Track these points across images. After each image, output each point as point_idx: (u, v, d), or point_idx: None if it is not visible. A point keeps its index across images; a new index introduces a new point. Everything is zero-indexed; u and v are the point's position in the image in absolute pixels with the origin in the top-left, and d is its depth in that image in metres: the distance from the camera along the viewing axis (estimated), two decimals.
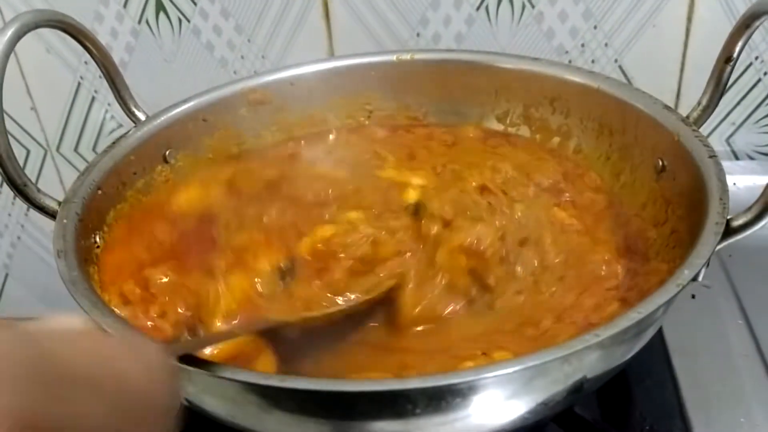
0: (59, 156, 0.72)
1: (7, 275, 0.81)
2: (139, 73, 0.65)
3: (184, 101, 0.49)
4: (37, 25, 0.38)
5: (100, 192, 0.40)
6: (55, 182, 0.73)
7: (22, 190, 0.36)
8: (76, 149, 0.71)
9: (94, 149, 0.71)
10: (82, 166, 0.72)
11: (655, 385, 0.42)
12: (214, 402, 0.29)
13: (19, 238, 0.78)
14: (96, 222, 0.39)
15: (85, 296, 0.31)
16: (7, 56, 0.36)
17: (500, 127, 0.52)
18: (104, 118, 0.69)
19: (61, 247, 0.34)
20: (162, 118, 0.47)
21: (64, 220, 0.36)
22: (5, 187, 0.75)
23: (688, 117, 0.41)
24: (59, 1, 0.63)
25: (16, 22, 0.37)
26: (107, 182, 0.41)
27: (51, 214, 0.37)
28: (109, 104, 0.68)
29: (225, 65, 0.65)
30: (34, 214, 0.76)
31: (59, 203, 0.37)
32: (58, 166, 0.73)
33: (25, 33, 0.37)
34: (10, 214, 0.77)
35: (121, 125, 0.70)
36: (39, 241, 0.78)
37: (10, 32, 0.36)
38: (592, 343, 0.26)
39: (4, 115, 0.37)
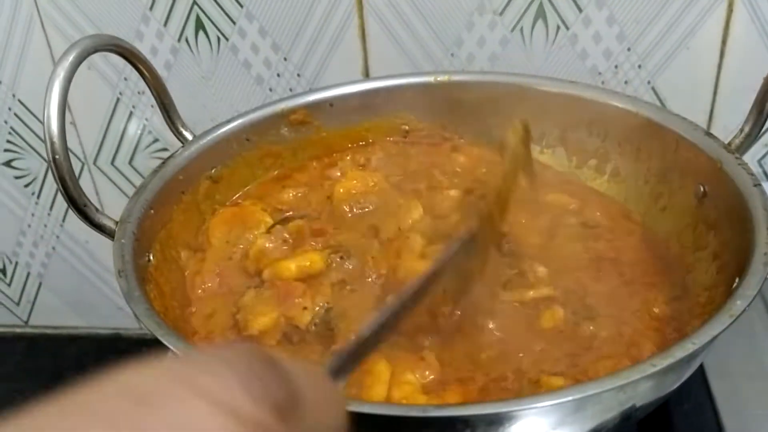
0: (96, 169, 0.74)
1: (40, 284, 0.83)
2: (177, 90, 0.66)
3: (228, 121, 0.50)
4: (96, 50, 0.39)
5: (152, 211, 0.41)
6: (91, 195, 0.75)
7: (82, 210, 0.38)
8: (112, 163, 0.73)
9: (130, 163, 0.73)
10: (118, 179, 0.74)
11: (694, 408, 0.43)
12: None
13: (53, 248, 0.80)
14: (149, 241, 0.40)
15: (148, 316, 0.32)
16: (69, 81, 0.37)
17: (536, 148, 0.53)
18: (141, 133, 0.71)
19: (121, 267, 0.35)
20: (208, 138, 0.48)
21: (122, 240, 0.37)
22: (42, 198, 0.77)
23: (730, 144, 0.42)
24: (103, 21, 0.65)
25: (77, 47, 0.38)
26: (158, 201, 0.42)
27: (109, 234, 0.38)
28: (146, 119, 0.70)
29: (261, 83, 0.66)
30: (69, 225, 0.78)
31: (116, 223, 0.39)
32: (95, 178, 0.74)
33: (85, 58, 0.38)
34: (45, 225, 0.78)
35: (156, 140, 0.71)
36: (73, 251, 0.80)
37: (71, 57, 0.37)
38: (649, 372, 0.27)
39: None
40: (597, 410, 0.29)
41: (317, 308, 0.38)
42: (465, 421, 0.27)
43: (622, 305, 0.39)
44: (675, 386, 0.32)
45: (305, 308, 0.38)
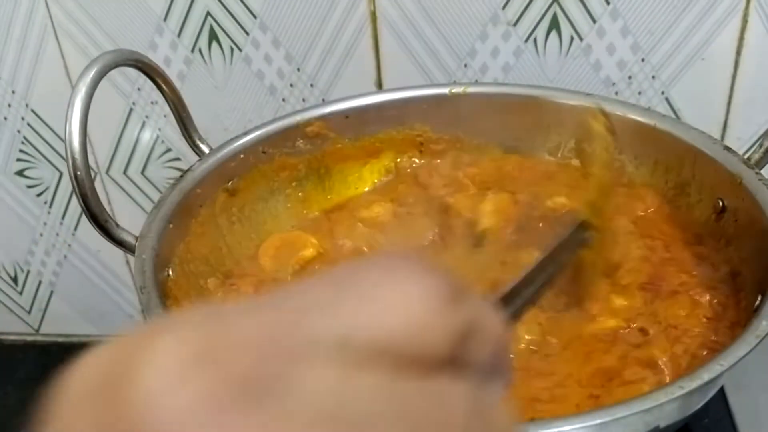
0: (108, 178, 0.74)
1: (52, 293, 0.83)
2: (190, 100, 0.66)
3: (245, 134, 0.50)
4: (116, 65, 0.39)
5: (171, 226, 0.41)
6: (104, 204, 0.75)
7: (103, 225, 0.38)
8: (125, 172, 0.73)
9: (142, 173, 0.73)
10: (130, 188, 0.74)
11: (713, 423, 0.43)
12: None
13: (65, 257, 0.80)
14: (168, 255, 0.40)
15: None
16: (90, 97, 0.37)
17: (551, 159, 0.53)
18: (154, 143, 0.71)
19: (142, 283, 0.35)
20: (224, 151, 0.48)
21: (143, 255, 0.37)
22: (54, 207, 0.77)
23: (749, 159, 0.42)
24: (117, 32, 0.65)
25: (97, 63, 0.38)
26: (176, 215, 0.42)
27: (129, 249, 0.38)
28: (159, 129, 0.70)
29: (274, 93, 0.66)
30: (81, 234, 0.78)
31: (136, 238, 0.39)
32: (107, 188, 0.74)
33: (106, 72, 0.38)
34: (57, 234, 0.78)
35: (169, 149, 0.71)
36: (85, 260, 0.80)
37: (92, 73, 0.38)
38: (677, 395, 0.27)
39: (62, 142, 0.39)
40: (624, 431, 0.29)
41: None
42: None
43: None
44: (699, 406, 0.32)
45: None
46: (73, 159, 0.36)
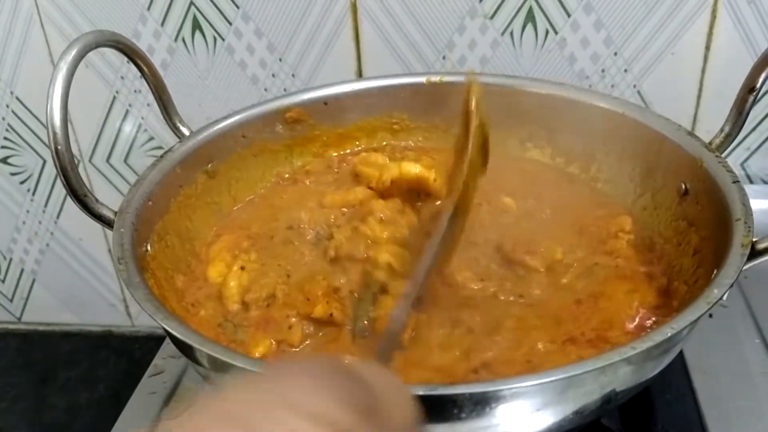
0: (91, 166, 0.74)
1: (34, 281, 0.83)
2: (173, 89, 0.66)
3: (225, 118, 0.51)
4: (97, 45, 0.40)
5: (150, 203, 0.42)
6: None
7: (82, 200, 0.38)
8: (108, 160, 0.74)
9: (125, 161, 0.73)
10: (113, 176, 0.75)
11: (675, 399, 0.44)
12: None
13: (47, 245, 0.80)
14: (147, 231, 0.41)
15: (148, 300, 0.33)
16: (71, 74, 0.38)
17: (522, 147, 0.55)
18: (137, 131, 0.72)
19: (120, 255, 0.36)
20: (204, 134, 0.49)
21: (122, 230, 0.38)
22: (37, 195, 0.77)
23: (710, 143, 0.43)
24: (101, 21, 0.66)
25: (79, 42, 0.39)
26: (156, 194, 0.43)
27: (107, 223, 0.39)
28: (142, 118, 0.71)
29: (256, 82, 0.68)
30: (63, 222, 0.79)
31: (115, 213, 0.39)
32: (90, 176, 0.75)
33: (87, 52, 0.39)
34: (40, 222, 0.79)
35: (152, 138, 0.72)
36: (67, 248, 0.80)
37: (74, 52, 0.38)
38: (629, 355, 0.28)
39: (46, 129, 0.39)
40: (579, 393, 0.30)
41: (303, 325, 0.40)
42: (453, 400, 0.28)
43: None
44: (654, 373, 0.33)
45: (290, 327, 0.40)
46: (54, 134, 0.37)
